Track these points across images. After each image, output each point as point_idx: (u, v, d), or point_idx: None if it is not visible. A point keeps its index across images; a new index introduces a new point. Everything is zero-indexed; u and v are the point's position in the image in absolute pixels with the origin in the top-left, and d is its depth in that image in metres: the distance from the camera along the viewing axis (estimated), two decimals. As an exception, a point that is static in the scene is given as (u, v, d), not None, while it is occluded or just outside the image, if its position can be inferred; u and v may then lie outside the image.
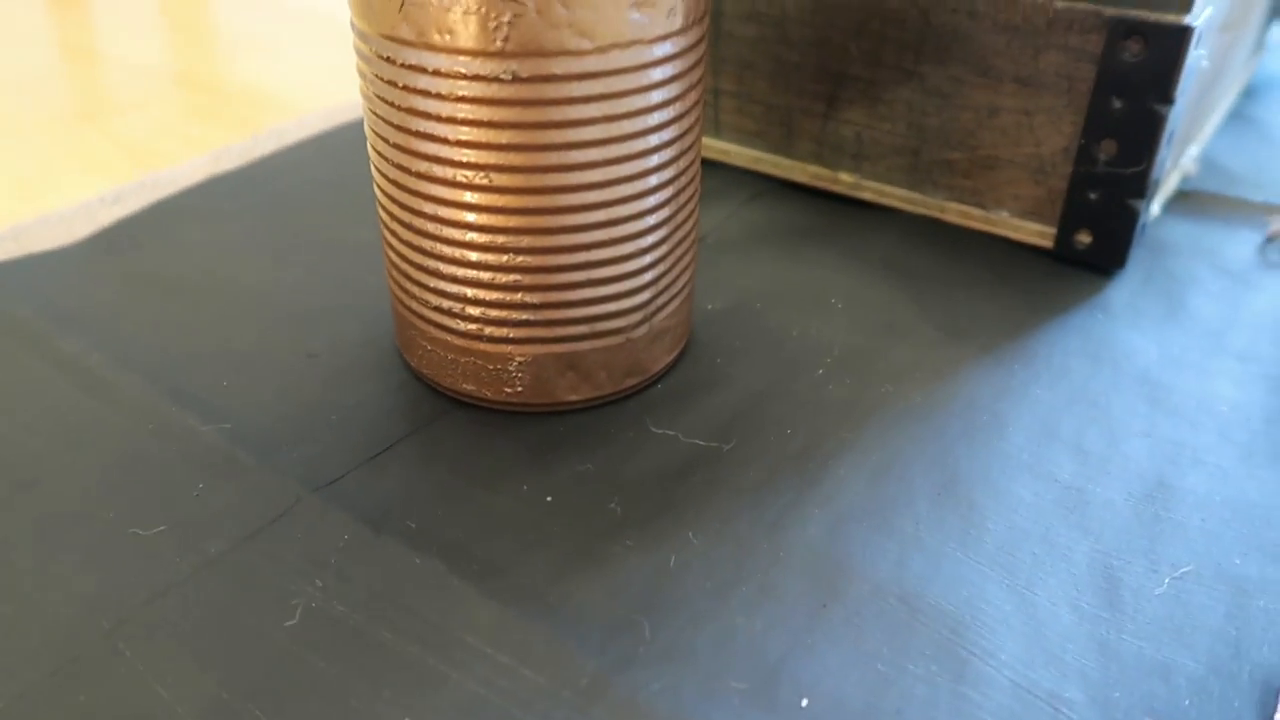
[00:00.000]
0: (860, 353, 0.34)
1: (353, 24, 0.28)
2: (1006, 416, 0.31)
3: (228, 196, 0.44)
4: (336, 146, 0.49)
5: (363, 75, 0.29)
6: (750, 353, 0.34)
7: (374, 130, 0.29)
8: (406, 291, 0.31)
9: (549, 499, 0.28)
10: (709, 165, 0.47)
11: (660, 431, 0.30)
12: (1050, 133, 0.38)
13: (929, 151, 0.41)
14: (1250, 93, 0.56)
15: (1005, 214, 0.41)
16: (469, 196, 0.27)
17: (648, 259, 0.30)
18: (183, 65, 0.61)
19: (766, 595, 0.25)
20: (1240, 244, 0.41)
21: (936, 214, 0.42)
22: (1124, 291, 0.38)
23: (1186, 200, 0.44)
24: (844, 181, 0.44)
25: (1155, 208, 0.42)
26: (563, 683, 0.23)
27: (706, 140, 0.47)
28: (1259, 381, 0.33)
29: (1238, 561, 0.26)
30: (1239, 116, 0.53)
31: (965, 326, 0.36)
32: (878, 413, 0.31)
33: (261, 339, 0.35)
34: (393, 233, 0.30)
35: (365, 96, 0.29)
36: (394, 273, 0.31)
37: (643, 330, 0.31)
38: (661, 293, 0.31)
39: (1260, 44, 0.58)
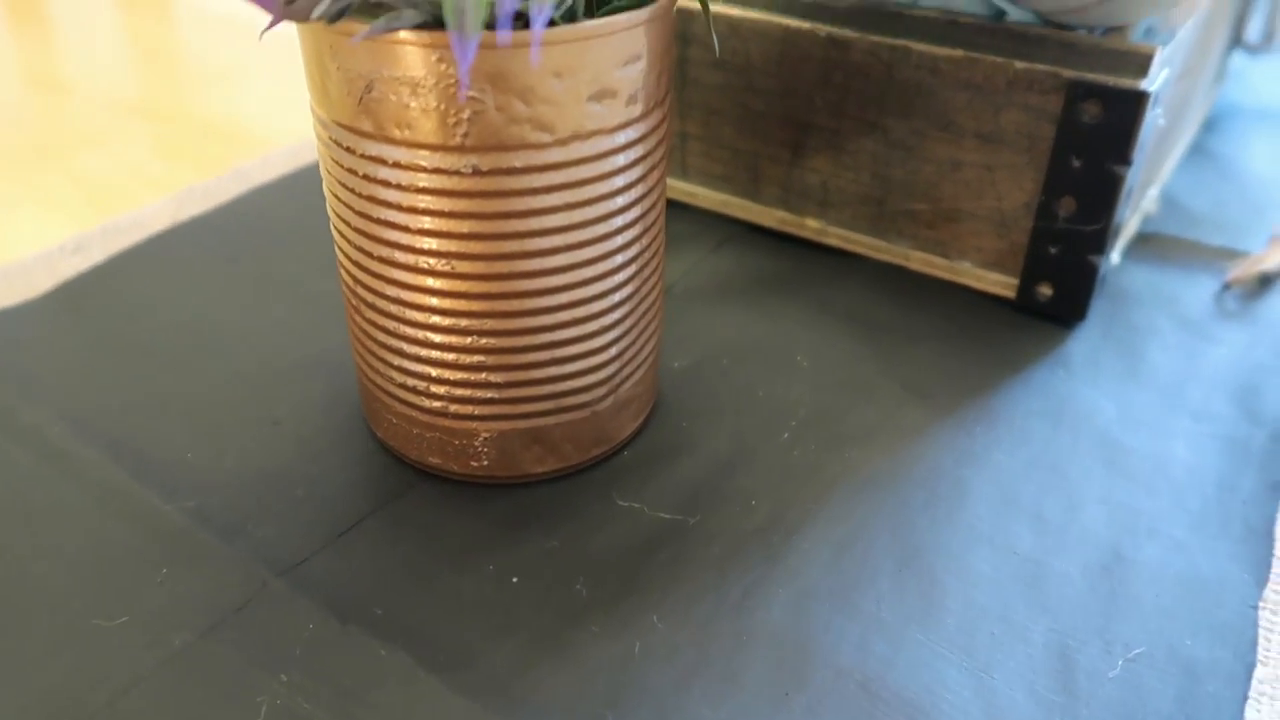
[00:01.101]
0: (825, 414, 0.34)
1: (311, 108, 0.28)
2: (968, 484, 0.32)
3: (191, 244, 0.44)
4: (301, 188, 0.48)
5: (322, 156, 0.28)
6: (716, 415, 0.34)
7: (335, 211, 0.29)
8: (371, 367, 0.31)
9: (515, 580, 0.28)
10: (677, 207, 0.47)
11: (626, 504, 0.31)
12: (1011, 188, 0.38)
13: (893, 201, 0.41)
14: (1211, 124, 0.57)
15: (968, 264, 0.41)
16: (431, 282, 0.27)
17: (612, 335, 0.30)
18: (145, 95, 0.60)
19: (730, 684, 0.25)
20: (1199, 291, 0.42)
21: (901, 261, 0.43)
22: (1084, 344, 0.38)
23: (1147, 244, 0.45)
24: (810, 227, 0.44)
25: (1115, 256, 0.42)
26: (528, 783, 0.23)
27: (674, 182, 0.47)
28: (1212, 443, 0.33)
29: (1189, 642, 0.26)
30: (1199, 150, 0.54)
31: (928, 384, 0.36)
32: (842, 480, 0.32)
33: (226, 404, 0.35)
34: (356, 309, 0.30)
35: (325, 174, 0.29)
36: (359, 347, 0.31)
37: (608, 402, 0.31)
38: (626, 364, 0.31)
39: (1221, 74, 0.59)
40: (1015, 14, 0.36)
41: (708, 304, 0.40)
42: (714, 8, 0.42)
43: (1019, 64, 0.36)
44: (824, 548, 0.29)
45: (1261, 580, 0.28)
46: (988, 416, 0.34)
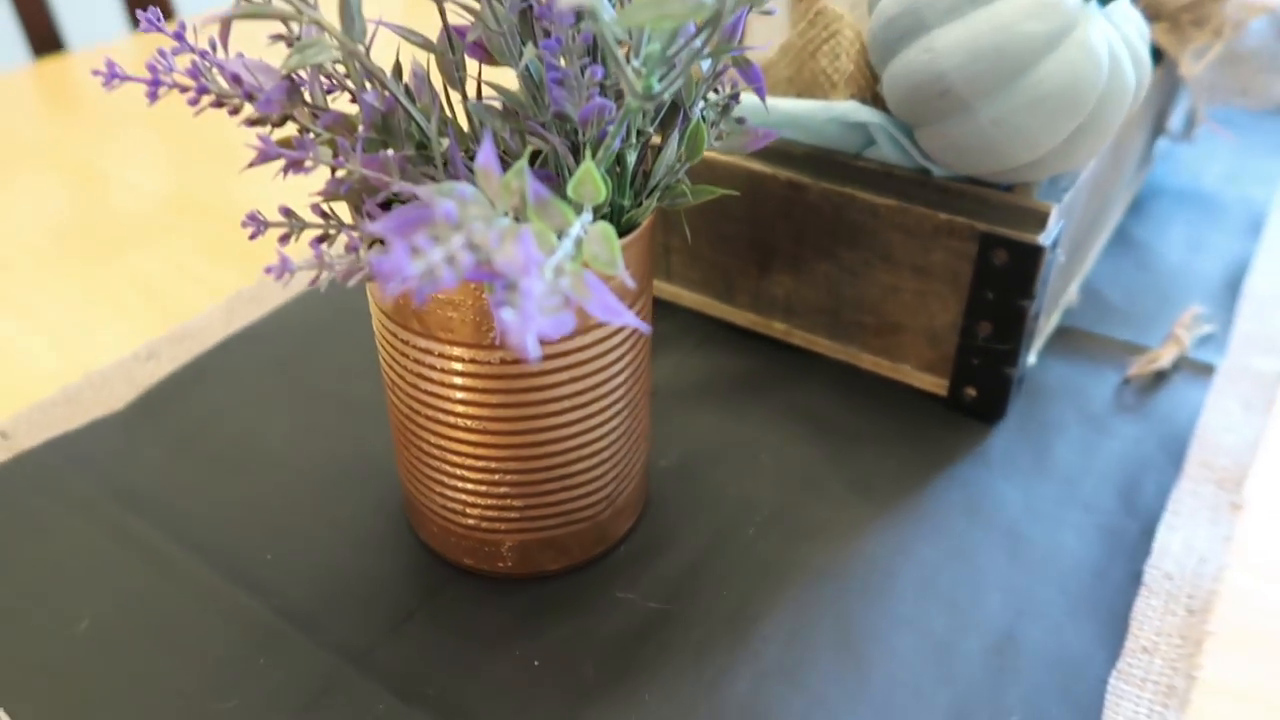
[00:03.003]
0: (783, 511, 0.42)
1: (369, 296, 0.35)
2: (897, 573, 0.39)
3: (245, 354, 0.51)
4: (337, 291, 0.56)
5: (378, 333, 0.36)
6: (695, 513, 0.42)
7: (388, 374, 0.36)
8: (417, 488, 0.38)
9: (536, 663, 0.36)
10: (664, 306, 0.55)
11: (623, 596, 0.38)
12: (940, 310, 0.46)
13: (845, 313, 0.49)
14: (1136, 206, 0.65)
15: (908, 367, 0.49)
16: (466, 435, 0.35)
17: (608, 464, 0.37)
18: (183, 189, 0.68)
19: (704, 749, 0.33)
20: (1103, 385, 0.49)
21: (854, 361, 0.50)
22: (1002, 440, 0.46)
23: (1065, 339, 0.52)
24: (777, 328, 0.52)
25: (1032, 357, 0.50)
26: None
27: (660, 284, 0.55)
28: (1095, 533, 0.41)
29: (1054, 711, 0.34)
30: (1122, 236, 0.62)
31: (870, 481, 0.44)
32: (795, 572, 0.39)
33: (292, 507, 0.42)
34: (405, 445, 0.38)
35: (380, 347, 0.36)
36: (407, 472, 0.39)
37: (607, 513, 0.39)
38: (620, 483, 0.39)
39: (1146, 159, 0.66)
40: (938, 171, 0.44)
41: (688, 404, 0.48)
42: (691, 149, 0.49)
43: (942, 215, 0.44)
44: (779, 633, 0.37)
45: (1114, 659, 0.36)
46: (917, 511, 0.42)
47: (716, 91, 0.35)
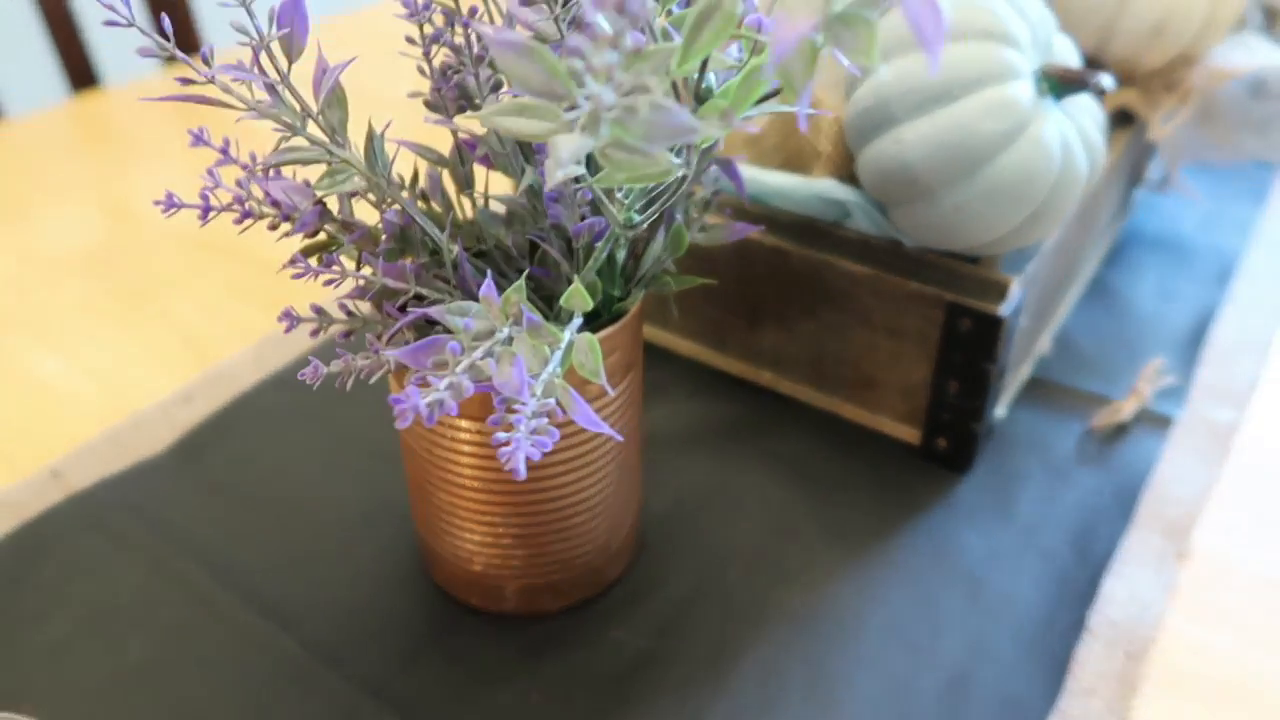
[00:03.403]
0: (763, 556, 0.46)
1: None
2: (865, 617, 0.43)
3: (275, 399, 0.55)
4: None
5: (396, 400, 0.40)
6: (682, 556, 0.46)
7: (404, 437, 0.40)
8: (432, 536, 0.43)
9: (534, 696, 0.40)
10: (662, 354, 0.59)
11: (615, 634, 0.42)
12: (913, 369, 0.50)
13: (827, 367, 0.53)
14: (1113, 256, 0.68)
15: (885, 417, 0.52)
16: (472, 495, 0.39)
17: (602, 518, 0.42)
18: (213, 230, 0.73)
19: (682, 779, 0.37)
20: (1068, 436, 0.53)
21: (837, 410, 0.54)
22: (970, 489, 0.50)
23: (1035, 390, 0.56)
24: (765, 378, 0.56)
25: (1002, 409, 0.54)
26: None
27: (660, 333, 0.59)
28: (1051, 582, 0.45)
29: (998, 749, 0.38)
30: (1098, 286, 0.65)
31: (845, 528, 0.48)
32: (771, 615, 0.43)
33: (318, 548, 0.46)
34: (420, 500, 0.42)
35: (398, 412, 0.40)
36: (422, 522, 0.43)
37: (602, 559, 0.43)
38: (614, 531, 0.43)
39: (1123, 209, 0.70)
40: (910, 242, 0.47)
41: (681, 450, 0.52)
42: (686, 213, 0.53)
43: (913, 284, 0.47)
44: (754, 673, 0.41)
45: (1053, 701, 0.39)
46: (886, 557, 0.46)
47: (701, 186, 0.39)
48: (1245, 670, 0.41)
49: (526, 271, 0.30)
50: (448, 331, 0.27)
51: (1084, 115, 0.44)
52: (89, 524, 0.48)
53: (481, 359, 0.25)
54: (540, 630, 0.43)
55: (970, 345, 0.47)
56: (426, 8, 0.31)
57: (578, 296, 0.29)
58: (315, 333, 0.33)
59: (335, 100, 0.28)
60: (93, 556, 0.46)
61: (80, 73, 0.99)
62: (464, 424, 0.37)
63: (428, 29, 0.32)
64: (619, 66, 0.19)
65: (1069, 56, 0.45)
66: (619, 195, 0.30)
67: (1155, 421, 0.54)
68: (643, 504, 0.47)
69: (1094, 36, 0.60)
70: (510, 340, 0.27)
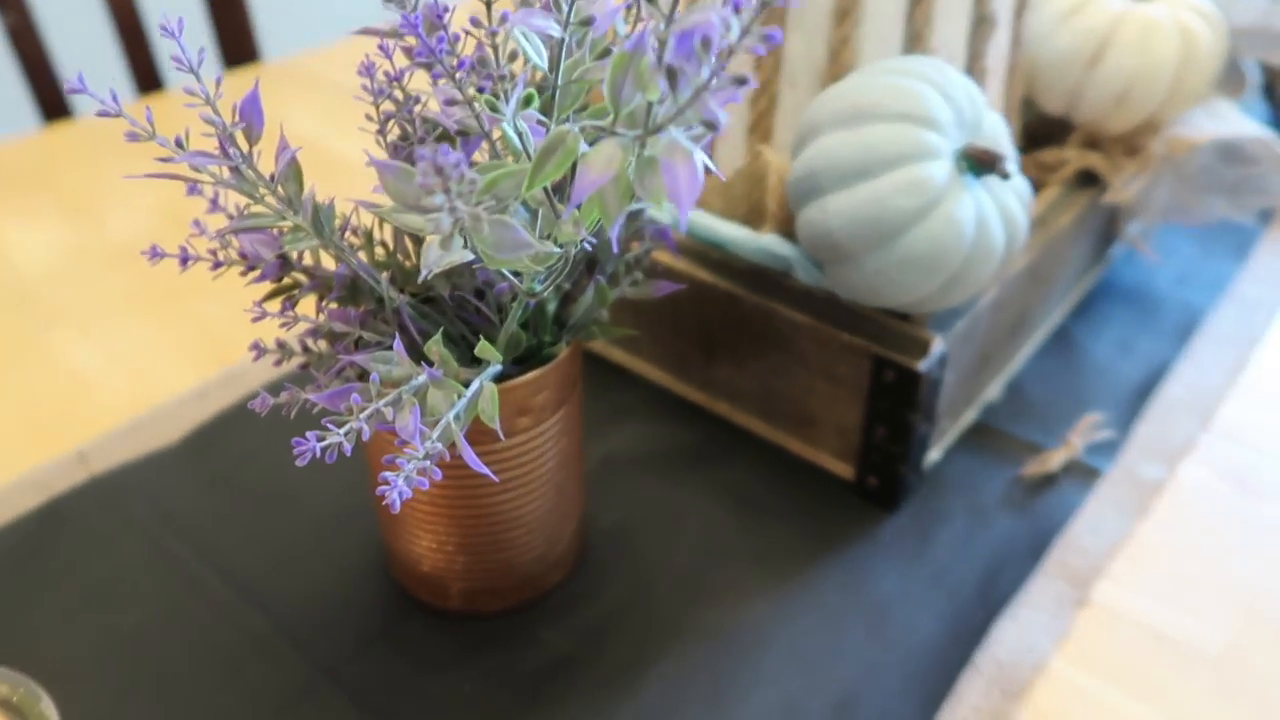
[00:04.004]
0: (692, 575, 0.51)
1: (354, 393, 0.45)
2: (771, 639, 0.48)
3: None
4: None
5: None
6: (619, 570, 0.51)
7: (369, 453, 0.46)
8: (391, 539, 0.48)
9: (466, 688, 0.45)
10: (631, 378, 0.63)
11: (545, 636, 0.48)
12: (847, 411, 0.54)
13: (774, 403, 0.57)
14: (1084, 306, 0.70)
15: (825, 454, 0.56)
16: (421, 508, 0.44)
17: (537, 533, 0.47)
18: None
19: (582, 770, 0.42)
20: (998, 482, 0.56)
21: (782, 444, 0.58)
22: (895, 526, 0.54)
23: (978, 435, 0.60)
24: (721, 409, 0.60)
25: (936, 453, 0.57)
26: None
27: (630, 359, 0.63)
28: (950, 619, 0.48)
29: (866, 767, 0.42)
30: (1061, 335, 0.68)
31: (772, 555, 0.52)
32: (687, 630, 0.48)
33: (296, 541, 0.52)
34: (380, 507, 0.47)
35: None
36: (383, 527, 0.48)
37: (539, 567, 0.48)
38: (550, 544, 0.48)
39: (1095, 263, 0.72)
40: (844, 295, 0.51)
41: (636, 471, 0.57)
42: (660, 254, 0.58)
43: (846, 335, 0.51)
44: (662, 681, 0.46)
45: (925, 729, 0.43)
46: (803, 585, 0.50)
47: (640, 240, 0.44)
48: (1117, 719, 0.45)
49: (442, 328, 0.35)
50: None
51: (1006, 190, 0.48)
52: (104, 505, 0.54)
53: (386, 406, 0.31)
54: (479, 628, 0.48)
55: (894, 395, 0.51)
56: (382, 93, 0.36)
57: (487, 350, 0.34)
58: (278, 363, 0.39)
59: (291, 174, 0.34)
60: (104, 534, 0.53)
61: (148, 79, 1.07)
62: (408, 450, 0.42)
63: (386, 106, 0.37)
64: (471, 192, 0.24)
65: (999, 135, 0.48)
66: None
67: (1084, 473, 0.57)
68: (587, 519, 0.52)
69: (1063, 100, 0.63)
70: (424, 387, 0.33)
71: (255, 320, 0.37)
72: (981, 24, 0.54)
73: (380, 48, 0.36)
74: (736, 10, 0.21)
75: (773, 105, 0.56)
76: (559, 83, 0.29)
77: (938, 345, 0.50)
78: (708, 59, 0.21)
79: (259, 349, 0.39)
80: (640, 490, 0.56)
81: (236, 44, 1.12)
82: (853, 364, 0.52)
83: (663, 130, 0.22)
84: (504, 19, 0.28)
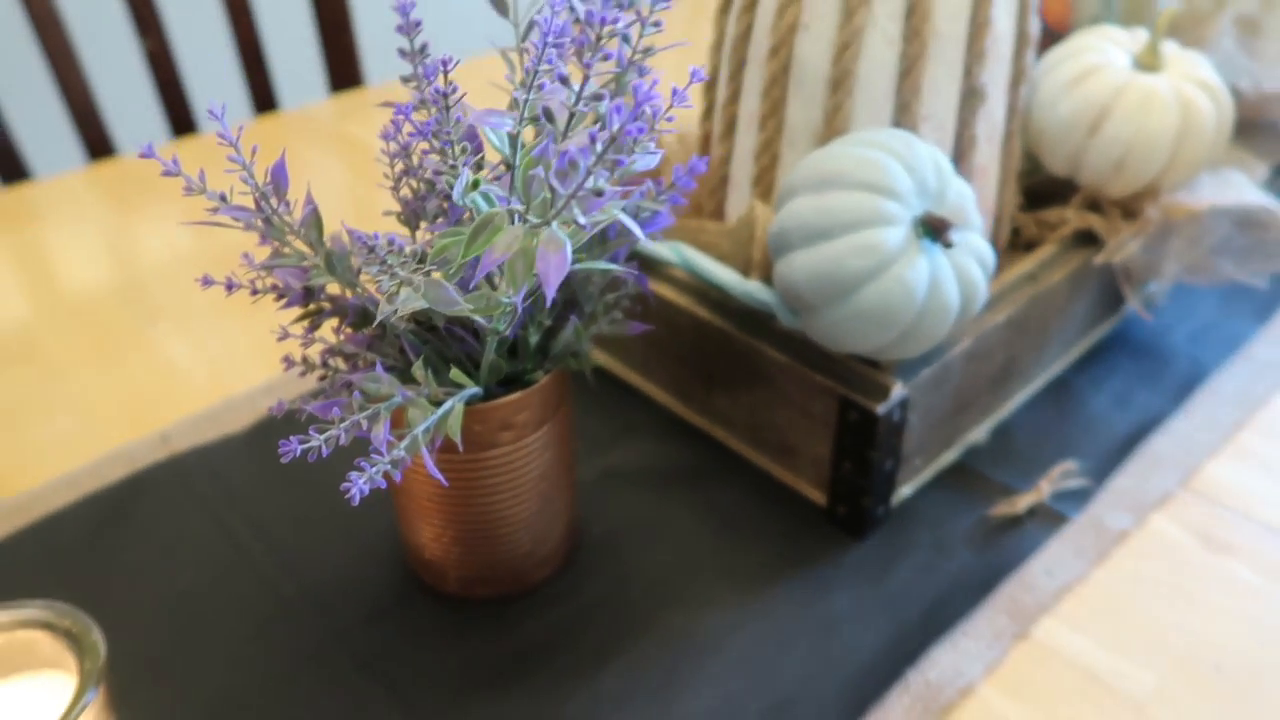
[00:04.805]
0: (662, 584, 0.57)
1: (374, 401, 0.53)
2: (725, 642, 0.53)
3: (334, 399, 0.70)
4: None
5: (379, 423, 0.53)
6: (601, 573, 0.57)
7: (384, 450, 0.54)
8: (403, 527, 0.56)
9: (453, 661, 0.52)
10: (643, 398, 0.70)
11: (526, 624, 0.54)
12: (820, 444, 0.59)
13: (762, 432, 0.62)
14: (1091, 356, 0.73)
15: (804, 481, 0.62)
16: (423, 503, 0.52)
17: (525, 532, 0.53)
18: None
19: (538, 740, 0.49)
20: (966, 520, 0.60)
21: (769, 470, 0.63)
22: (860, 552, 0.58)
23: (957, 474, 0.63)
24: (718, 434, 0.66)
25: (909, 489, 0.61)
26: (423, 772, 0.47)
27: (641, 381, 0.70)
28: (892, 640, 0.53)
29: (784, 763, 0.47)
30: (1060, 384, 0.71)
31: (740, 569, 0.57)
32: (652, 629, 0.54)
33: (332, 522, 0.60)
34: (394, 498, 0.55)
35: (381, 431, 0.54)
36: (399, 522, 0.56)
37: (528, 563, 0.55)
38: (537, 544, 0.55)
39: (1102, 318, 0.74)
40: (814, 340, 0.57)
41: (634, 485, 0.63)
42: (662, 289, 0.64)
43: (818, 376, 0.57)
44: (620, 674, 0.52)
45: (842, 735, 0.48)
46: (763, 598, 0.56)
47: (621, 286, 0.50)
48: (1028, 741, 0.48)
49: (423, 355, 0.42)
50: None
51: (967, 255, 0.52)
52: (178, 480, 0.64)
53: (364, 418, 0.38)
54: (470, 611, 0.55)
55: (857, 434, 0.55)
56: (397, 155, 0.44)
57: (459, 376, 0.41)
58: (302, 374, 0.47)
59: (312, 223, 0.41)
60: (174, 505, 0.62)
61: (265, 99, 1.19)
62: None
63: (399, 166, 0.45)
64: (403, 263, 0.31)
65: (963, 204, 0.53)
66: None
67: (1052, 519, 0.60)
68: (579, 524, 0.59)
69: (1066, 164, 0.67)
70: (404, 404, 0.40)
71: (280, 340, 0.45)
72: (971, 96, 0.59)
73: (396, 116, 0.43)
74: (592, 140, 0.27)
75: (774, 163, 0.61)
76: (516, 164, 0.36)
77: (898, 390, 0.54)
78: (576, 175, 0.27)
79: (289, 361, 0.47)
80: (633, 503, 0.62)
81: (343, 67, 1.23)
82: (824, 403, 0.57)
83: (548, 224, 0.29)
84: (458, 121, 0.35)
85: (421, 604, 0.56)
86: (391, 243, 0.28)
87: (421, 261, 0.35)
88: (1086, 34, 0.68)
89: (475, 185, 0.33)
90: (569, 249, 0.29)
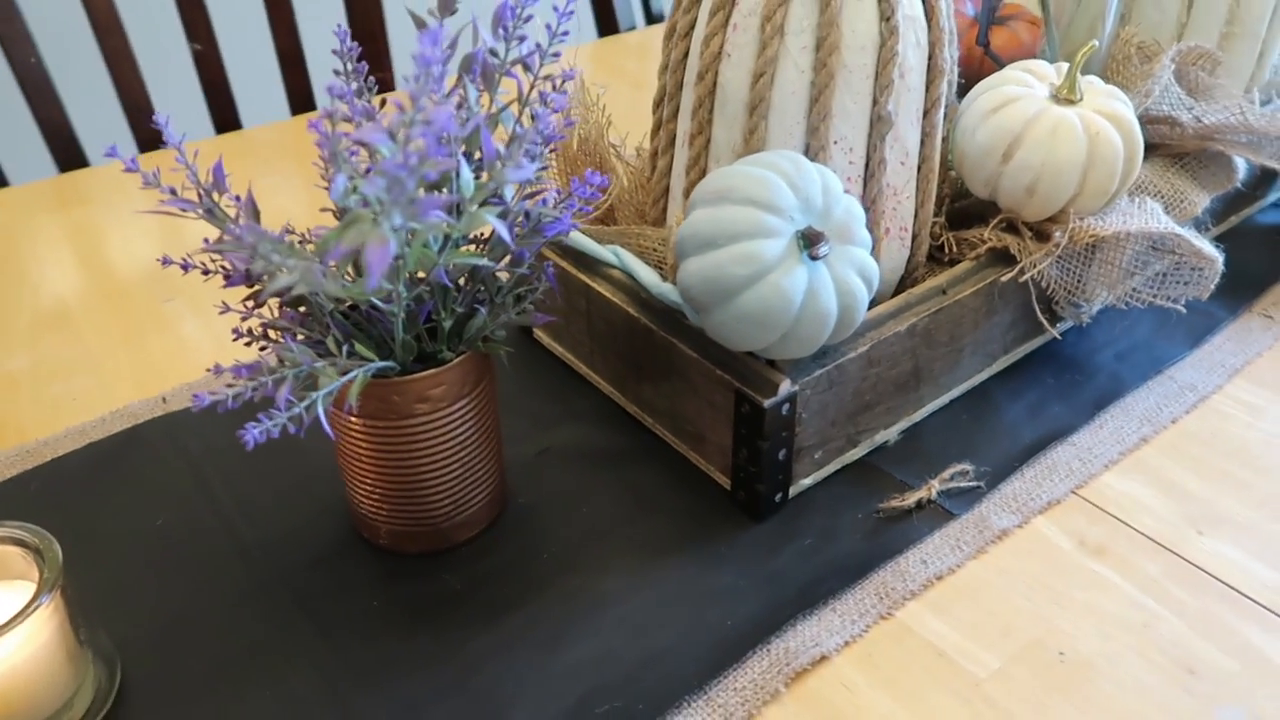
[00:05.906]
0: (572, 551, 0.63)
1: (320, 373, 0.61)
2: (613, 604, 0.59)
3: (314, 374, 0.79)
4: (387, 339, 0.82)
5: (325, 392, 0.61)
6: (518, 537, 0.64)
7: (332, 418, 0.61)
8: (346, 489, 0.64)
9: (375, 604, 0.60)
10: (588, 385, 0.76)
11: (445, 577, 0.61)
12: (724, 434, 0.65)
13: (679, 421, 0.69)
14: (1016, 368, 0.77)
15: (714, 466, 0.68)
16: (354, 463, 0.59)
17: (445, 494, 0.61)
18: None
19: (457, 690, 0.56)
20: (858, 511, 0.66)
21: (687, 455, 0.70)
22: (755, 534, 0.64)
23: (859, 469, 0.69)
24: (648, 420, 0.72)
25: (810, 480, 0.67)
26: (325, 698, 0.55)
27: (587, 371, 0.76)
28: (766, 611, 0.59)
29: (644, 709, 0.53)
30: (979, 392, 0.75)
31: (644, 543, 0.64)
32: (550, 588, 0.60)
33: (298, 483, 0.68)
34: (339, 465, 0.63)
35: (327, 400, 0.61)
36: (343, 478, 0.64)
37: (448, 524, 0.62)
38: (458, 506, 0.62)
39: (1028, 333, 0.79)
40: (711, 338, 0.62)
41: (565, 463, 0.70)
42: (600, 288, 0.70)
43: (719, 371, 0.63)
44: (517, 626, 0.58)
45: (710, 687, 0.54)
46: (658, 568, 0.62)
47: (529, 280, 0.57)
48: (876, 714, 0.54)
49: (344, 331, 0.49)
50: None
51: (847, 266, 0.58)
52: (169, 435, 0.73)
53: (271, 380, 0.46)
54: (397, 564, 0.63)
55: (749, 424, 0.61)
56: (333, 157, 0.51)
57: (363, 351, 0.49)
58: (248, 344, 0.55)
59: (249, 214, 0.49)
60: (161, 457, 0.71)
61: (303, 101, 1.29)
62: (353, 419, 0.57)
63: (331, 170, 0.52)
64: (280, 252, 0.38)
65: (849, 221, 0.58)
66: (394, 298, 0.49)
67: (941, 515, 0.65)
68: (505, 493, 0.66)
69: (985, 188, 0.72)
70: (311, 371, 0.47)
71: (221, 313, 0.53)
72: (879, 122, 0.64)
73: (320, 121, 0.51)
74: (406, 159, 0.34)
75: (702, 177, 0.67)
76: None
77: (785, 387, 0.60)
78: (399, 187, 0.34)
79: (237, 333, 0.55)
80: (562, 478, 0.69)
81: (375, 71, 1.32)
82: (724, 395, 0.63)
83: (378, 224, 0.36)
84: (342, 138, 0.43)
85: (357, 555, 0.63)
86: (290, 233, 0.36)
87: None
88: (1015, 67, 0.73)
89: (354, 190, 0.40)
90: (392, 245, 0.36)
